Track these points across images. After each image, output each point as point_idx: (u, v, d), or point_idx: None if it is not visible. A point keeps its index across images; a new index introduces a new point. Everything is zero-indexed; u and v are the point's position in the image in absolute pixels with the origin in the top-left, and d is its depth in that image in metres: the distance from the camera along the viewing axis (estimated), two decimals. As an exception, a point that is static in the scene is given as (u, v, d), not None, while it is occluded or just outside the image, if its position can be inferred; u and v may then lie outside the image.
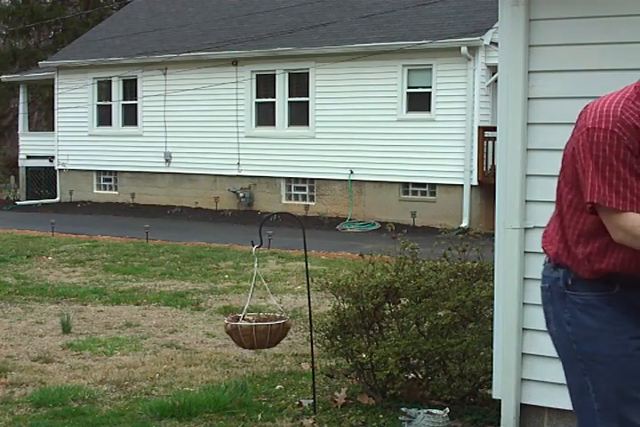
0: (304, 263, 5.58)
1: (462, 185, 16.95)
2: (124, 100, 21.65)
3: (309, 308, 5.36)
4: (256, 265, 5.17)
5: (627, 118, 2.70)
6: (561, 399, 4.50)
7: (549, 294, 2.89)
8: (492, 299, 4.69)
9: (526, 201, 4.43)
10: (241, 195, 19.75)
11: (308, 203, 19.08)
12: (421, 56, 17.25)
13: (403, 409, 4.76)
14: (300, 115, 19.03)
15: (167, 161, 20.81)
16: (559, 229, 2.88)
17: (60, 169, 22.73)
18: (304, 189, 19.35)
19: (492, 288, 4.67)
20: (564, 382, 4.48)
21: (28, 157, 24.20)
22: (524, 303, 4.46)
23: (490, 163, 16.53)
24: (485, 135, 16.54)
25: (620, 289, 2.79)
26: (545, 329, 4.46)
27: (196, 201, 20.33)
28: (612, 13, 4.23)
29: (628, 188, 2.66)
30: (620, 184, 2.65)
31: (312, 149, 18.73)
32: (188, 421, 5.11)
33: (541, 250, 3.06)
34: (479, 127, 16.70)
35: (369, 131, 17.86)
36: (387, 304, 5.25)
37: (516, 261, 4.43)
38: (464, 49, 16.55)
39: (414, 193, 17.94)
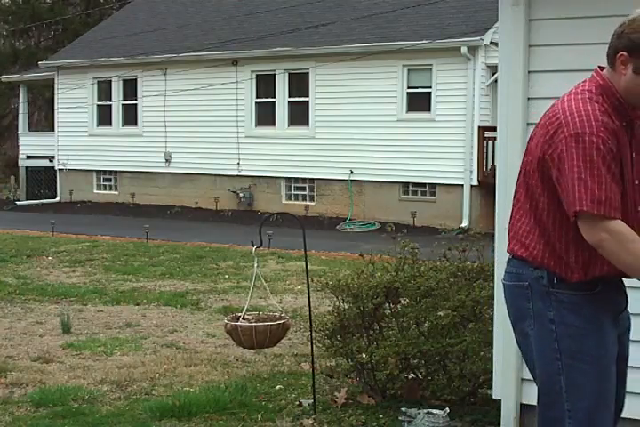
0: (304, 263, 5.58)
1: (462, 185, 16.95)
2: (124, 100, 21.66)
3: (309, 308, 5.36)
4: (256, 265, 5.16)
5: (606, 122, 2.72)
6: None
7: (528, 292, 2.87)
8: (492, 299, 4.69)
9: (526, 201, 4.43)
10: (241, 195, 19.75)
11: (308, 203, 19.08)
12: (421, 56, 17.25)
13: (403, 409, 4.76)
14: (299, 115, 19.03)
15: (167, 161, 20.82)
16: (539, 233, 2.86)
17: (60, 169, 22.73)
18: (304, 189, 19.35)
19: (492, 288, 4.67)
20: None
21: (28, 157, 24.20)
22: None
23: (490, 163, 16.53)
24: (485, 135, 16.53)
25: (602, 288, 2.83)
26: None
27: (195, 201, 20.33)
28: (613, 13, 4.22)
29: (613, 194, 2.68)
30: (604, 192, 2.67)
31: (312, 148, 18.73)
32: (188, 421, 5.11)
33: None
34: (479, 127, 16.70)
35: (369, 131, 17.86)
36: (387, 304, 5.25)
37: (516, 261, 4.43)
38: (464, 49, 16.56)
39: (414, 193, 17.94)
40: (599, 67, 2.92)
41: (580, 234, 2.75)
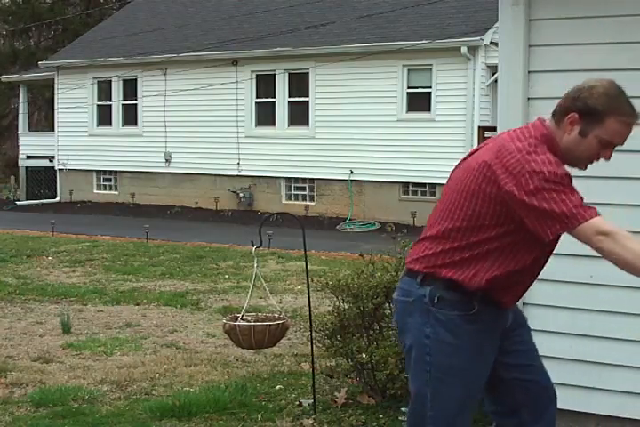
0: (304, 263, 5.58)
1: (462, 185, 16.93)
2: (124, 100, 21.66)
3: (309, 308, 5.36)
4: (256, 265, 5.16)
5: (557, 161, 2.93)
6: (561, 399, 4.50)
7: (411, 308, 3.08)
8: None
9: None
10: (241, 195, 19.75)
11: (308, 203, 19.09)
12: (421, 56, 17.25)
13: (403, 409, 4.76)
14: (299, 115, 19.03)
15: (167, 161, 20.82)
16: (443, 253, 3.04)
17: (60, 169, 22.73)
18: (304, 189, 19.35)
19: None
20: (564, 382, 4.49)
21: (28, 157, 24.20)
22: (524, 303, 4.46)
23: (490, 163, 16.52)
24: (485, 135, 16.49)
25: (479, 308, 3.03)
26: (545, 329, 4.47)
27: (195, 201, 20.33)
28: (612, 13, 4.23)
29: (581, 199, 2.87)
30: (574, 202, 2.85)
31: (312, 148, 18.73)
32: (188, 421, 5.11)
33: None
34: (479, 127, 16.69)
35: (369, 131, 17.86)
36: (387, 304, 5.24)
37: (516, 261, 4.43)
38: (464, 49, 16.56)
39: (414, 193, 17.95)
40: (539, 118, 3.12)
41: (482, 253, 2.99)
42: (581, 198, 2.88)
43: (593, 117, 2.92)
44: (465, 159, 3.16)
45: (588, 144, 2.96)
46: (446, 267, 3.04)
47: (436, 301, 3.02)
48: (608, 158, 3.02)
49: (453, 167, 3.22)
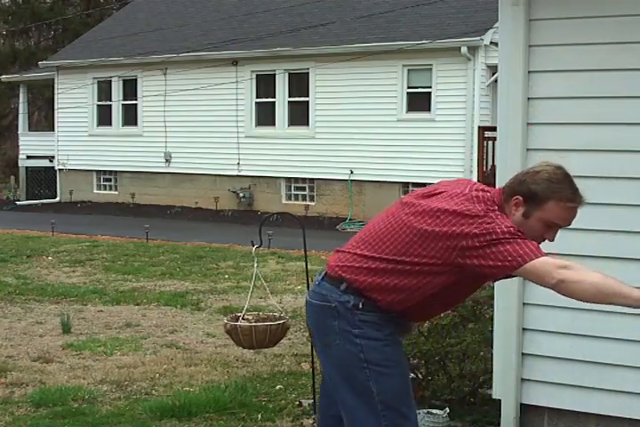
0: (304, 263, 5.58)
1: (462, 185, 16.93)
2: (124, 100, 21.65)
3: (309, 308, 5.35)
4: (256, 265, 5.16)
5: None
6: (561, 399, 4.51)
7: (335, 312, 3.25)
8: (492, 299, 4.69)
9: (526, 201, 4.44)
10: (241, 195, 19.75)
11: (308, 203, 19.08)
12: (421, 56, 17.25)
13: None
14: (299, 115, 19.03)
15: (167, 161, 20.81)
16: (373, 273, 3.19)
17: (60, 169, 22.73)
18: (304, 189, 19.35)
19: (492, 288, 4.67)
20: (565, 383, 4.49)
21: (28, 157, 24.19)
22: (524, 303, 4.47)
23: (490, 163, 16.52)
24: (485, 135, 16.52)
25: (396, 315, 3.27)
26: (545, 329, 4.47)
27: (196, 201, 20.33)
28: (612, 13, 4.23)
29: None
30: (528, 244, 3.03)
31: (312, 148, 18.73)
32: (188, 421, 5.11)
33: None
34: (479, 127, 16.68)
35: (369, 131, 17.86)
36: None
37: (516, 261, 4.43)
38: (464, 49, 16.56)
39: (414, 193, 17.92)
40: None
41: (410, 287, 3.16)
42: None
43: (535, 201, 3.11)
44: (414, 196, 3.30)
45: (531, 225, 3.13)
46: (371, 286, 3.20)
47: (360, 306, 3.22)
48: (551, 240, 3.18)
49: (402, 198, 3.36)
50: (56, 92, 22.63)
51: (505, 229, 3.02)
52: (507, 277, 3.21)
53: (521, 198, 3.13)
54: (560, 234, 3.23)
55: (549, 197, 3.09)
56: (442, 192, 3.22)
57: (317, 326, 3.35)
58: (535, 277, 3.01)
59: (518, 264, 2.98)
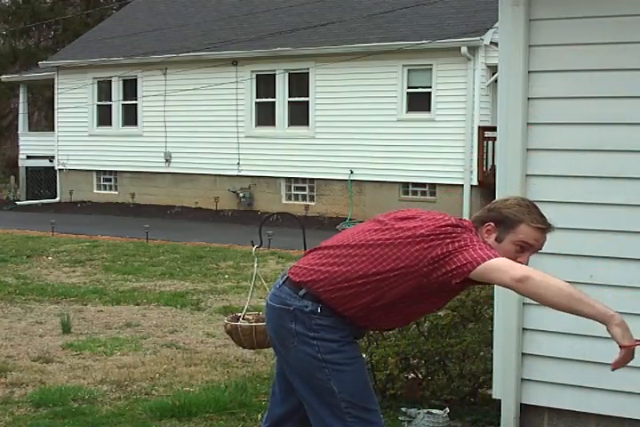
0: (304, 263, 5.57)
1: (462, 185, 16.96)
2: (124, 100, 21.65)
3: (309, 308, 5.35)
4: (256, 265, 5.16)
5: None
6: (561, 399, 4.51)
7: (293, 316, 3.34)
8: (492, 299, 4.70)
9: (526, 201, 4.43)
10: (241, 195, 19.75)
11: (308, 203, 19.08)
12: (421, 56, 17.25)
13: (403, 409, 4.77)
14: (299, 115, 19.03)
15: (167, 161, 20.81)
16: (334, 281, 3.27)
17: (60, 169, 22.73)
18: (304, 189, 19.35)
19: (492, 288, 4.68)
20: (565, 383, 4.49)
21: (28, 157, 24.19)
22: (524, 303, 4.46)
23: (490, 163, 16.53)
24: (485, 135, 16.53)
25: (351, 321, 3.35)
26: (545, 329, 4.47)
27: (196, 201, 20.33)
28: (612, 13, 4.23)
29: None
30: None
31: (312, 148, 18.73)
32: (188, 421, 5.11)
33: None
34: (479, 127, 16.70)
35: (369, 131, 17.86)
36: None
37: (516, 261, 4.43)
38: (464, 49, 16.56)
39: (414, 193, 17.94)
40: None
41: (374, 298, 3.23)
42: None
43: (506, 224, 3.24)
44: (390, 217, 3.38)
45: (505, 249, 3.23)
46: (330, 294, 3.28)
47: (318, 311, 3.31)
48: (525, 264, 3.22)
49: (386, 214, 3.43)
50: (56, 92, 22.62)
51: (475, 241, 3.16)
52: (471, 284, 3.28)
53: (493, 224, 3.26)
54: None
55: (521, 220, 3.22)
56: (416, 217, 3.33)
57: (275, 328, 3.42)
58: (498, 272, 3.07)
59: (477, 263, 3.08)
